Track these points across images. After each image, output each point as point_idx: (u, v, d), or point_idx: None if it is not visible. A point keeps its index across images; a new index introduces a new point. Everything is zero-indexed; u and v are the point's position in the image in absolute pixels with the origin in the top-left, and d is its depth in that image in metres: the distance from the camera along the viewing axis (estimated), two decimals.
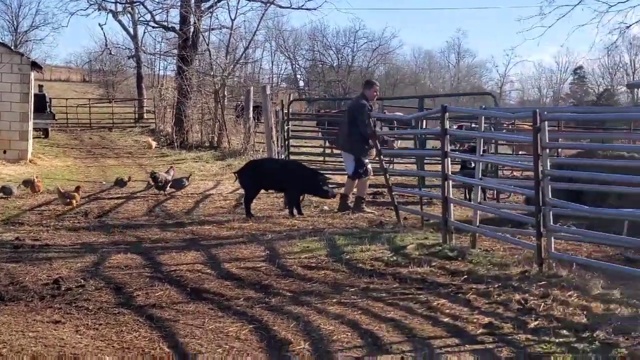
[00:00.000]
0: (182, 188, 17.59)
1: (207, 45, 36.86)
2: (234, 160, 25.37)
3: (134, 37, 51.65)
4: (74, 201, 15.19)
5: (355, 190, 15.22)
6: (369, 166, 15.12)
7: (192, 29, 37.06)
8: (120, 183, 18.21)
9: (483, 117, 12.66)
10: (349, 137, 14.78)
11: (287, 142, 17.74)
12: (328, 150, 27.89)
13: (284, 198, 15.29)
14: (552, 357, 6.35)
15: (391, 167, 20.48)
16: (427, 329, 7.18)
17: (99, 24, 78.33)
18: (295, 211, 14.34)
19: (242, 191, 15.74)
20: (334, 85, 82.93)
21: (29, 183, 17.12)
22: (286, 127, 17.85)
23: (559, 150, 17.65)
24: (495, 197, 16.94)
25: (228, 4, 44.24)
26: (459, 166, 16.81)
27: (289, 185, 14.57)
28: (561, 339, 6.78)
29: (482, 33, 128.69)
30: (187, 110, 34.15)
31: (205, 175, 22.08)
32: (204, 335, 6.92)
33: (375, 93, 15.13)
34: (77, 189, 15.86)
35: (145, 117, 48.67)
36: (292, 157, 17.89)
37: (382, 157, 14.11)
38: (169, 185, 17.52)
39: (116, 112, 47.62)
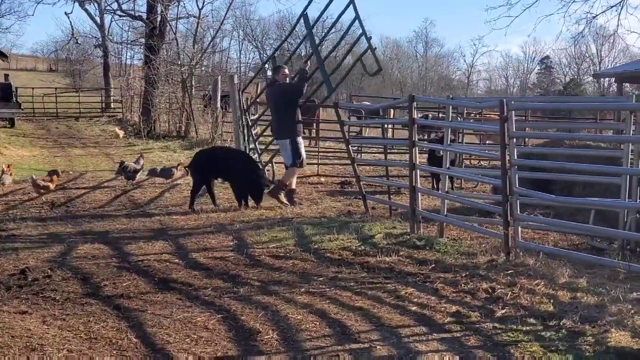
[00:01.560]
0: (170, 177, 17.51)
1: (175, 34, 36.70)
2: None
3: (100, 26, 51.34)
4: (44, 190, 15.10)
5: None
6: (304, 155, 14.92)
7: (159, 18, 36.86)
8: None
9: (450, 106, 12.71)
10: (281, 123, 14.66)
11: (245, 132, 17.49)
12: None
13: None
14: (519, 346, 6.39)
15: (359, 156, 20.53)
16: (395, 317, 7.21)
17: (65, 13, 77.09)
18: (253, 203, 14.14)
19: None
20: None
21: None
22: (244, 117, 17.54)
23: (526, 139, 17.77)
24: (460, 186, 17.01)
25: None
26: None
27: (233, 178, 14.43)
28: (528, 328, 6.83)
29: (450, 23, 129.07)
30: (155, 100, 33.99)
31: (172, 164, 21.95)
32: (172, 325, 6.90)
33: (284, 75, 15.06)
34: (54, 173, 15.71)
35: (113, 106, 48.38)
36: (260, 147, 17.69)
37: (349, 146, 14.09)
38: (159, 174, 17.51)
39: (83, 101, 47.21)
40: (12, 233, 11.50)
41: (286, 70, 15.25)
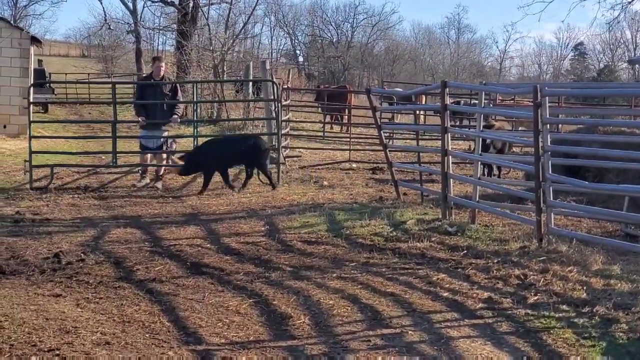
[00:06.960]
0: None
1: (207, 19, 36.69)
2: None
3: (133, 12, 51.41)
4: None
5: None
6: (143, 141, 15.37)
7: (191, 4, 36.88)
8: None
9: (483, 92, 12.64)
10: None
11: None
12: (327, 127, 27.93)
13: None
14: (551, 332, 6.36)
15: (390, 142, 20.48)
16: (427, 303, 7.21)
17: None
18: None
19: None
20: (333, 61, 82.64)
21: None
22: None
23: (559, 125, 17.66)
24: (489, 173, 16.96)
25: None
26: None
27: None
28: (561, 314, 6.81)
29: (482, 8, 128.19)
30: (186, 86, 34.03)
31: None
32: (204, 309, 6.94)
33: (158, 68, 15.06)
34: None
35: None
36: (292, 132, 17.65)
37: (381, 132, 14.05)
38: None
39: (115, 87, 47.34)
40: (45, 217, 11.58)
41: (160, 64, 15.26)
